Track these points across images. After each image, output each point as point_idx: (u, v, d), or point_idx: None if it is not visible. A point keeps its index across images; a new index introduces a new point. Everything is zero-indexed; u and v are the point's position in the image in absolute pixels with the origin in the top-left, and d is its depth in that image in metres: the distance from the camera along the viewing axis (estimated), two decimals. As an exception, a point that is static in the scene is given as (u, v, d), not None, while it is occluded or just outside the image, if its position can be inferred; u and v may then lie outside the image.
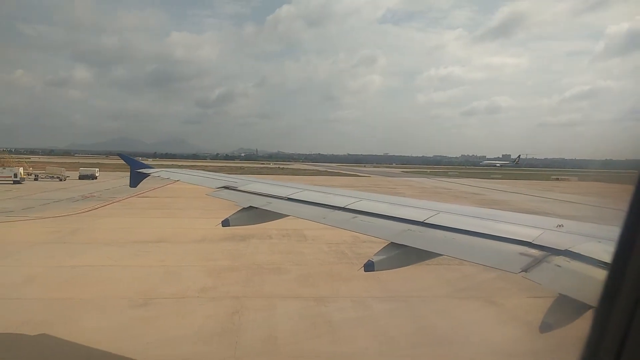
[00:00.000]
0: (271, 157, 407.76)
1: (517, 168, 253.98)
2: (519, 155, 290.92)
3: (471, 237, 5.10)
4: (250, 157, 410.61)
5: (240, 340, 13.64)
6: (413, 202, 7.05)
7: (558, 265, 4.03)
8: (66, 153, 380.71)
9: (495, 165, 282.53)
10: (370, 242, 26.45)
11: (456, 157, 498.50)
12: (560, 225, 4.93)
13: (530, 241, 4.56)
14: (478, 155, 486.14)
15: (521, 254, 4.40)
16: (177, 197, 51.73)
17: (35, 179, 72.08)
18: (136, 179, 12.97)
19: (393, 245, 5.37)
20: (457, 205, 6.94)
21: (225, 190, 9.28)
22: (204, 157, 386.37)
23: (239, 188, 9.18)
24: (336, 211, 6.94)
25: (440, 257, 5.11)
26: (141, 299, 17.04)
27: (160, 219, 36.65)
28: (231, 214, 7.86)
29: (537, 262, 4.18)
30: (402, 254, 5.28)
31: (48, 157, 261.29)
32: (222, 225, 7.61)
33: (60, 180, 72.82)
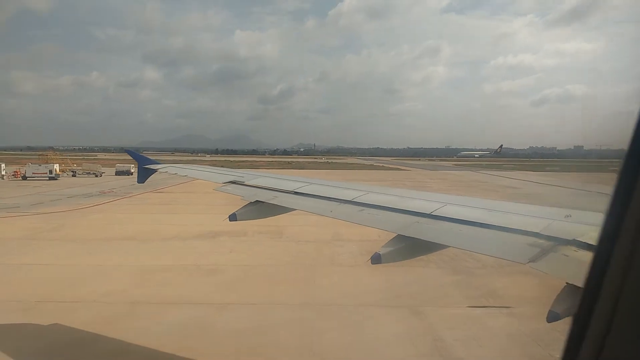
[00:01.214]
0: (329, 152, 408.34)
1: (545, 159, 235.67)
2: (501, 145, 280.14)
3: (479, 228, 5.09)
4: (309, 152, 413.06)
5: (85, 351, 12.58)
6: (420, 194, 7.01)
7: (566, 255, 4.05)
8: (136, 150, 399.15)
9: (473, 156, 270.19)
10: (350, 241, 25.91)
11: (524, 149, 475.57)
12: (568, 216, 4.89)
13: (538, 232, 4.55)
14: (548, 146, 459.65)
15: (529, 244, 4.40)
16: (192, 192, 50.90)
17: (73, 175, 74.72)
18: (144, 175, 12.99)
19: (400, 237, 5.35)
20: (464, 197, 6.97)
21: (232, 185, 9.29)
22: (262, 153, 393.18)
23: (245, 182, 9.20)
24: (343, 204, 6.93)
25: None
26: (33, 301, 16.00)
27: (153, 214, 36.58)
28: (238, 208, 7.85)
29: (544, 252, 4.19)
30: (410, 246, 5.28)
31: (113, 154, 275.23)
32: (230, 220, 7.67)
33: (96, 176, 74.85)
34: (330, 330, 14.04)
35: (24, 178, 66.11)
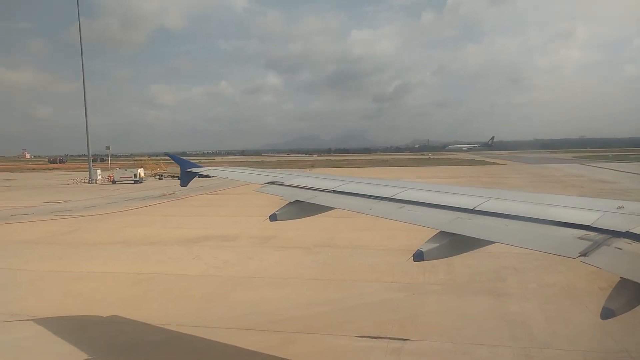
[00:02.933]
0: (444, 147, 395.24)
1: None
2: (492, 137, 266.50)
3: (524, 222, 4.97)
4: (423, 147, 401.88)
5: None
6: (461, 189, 6.93)
7: (619, 248, 3.90)
8: (256, 153, 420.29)
9: (462, 150, 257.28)
10: (336, 247, 24.03)
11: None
12: (621, 207, 4.71)
13: (589, 224, 4.40)
14: None
15: (579, 237, 4.25)
16: (243, 194, 50.42)
17: (160, 179, 79.39)
18: (186, 178, 13.14)
19: (443, 233, 5.25)
20: (508, 191, 6.69)
21: (272, 185, 9.31)
22: (374, 151, 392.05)
23: (284, 183, 9.19)
24: (382, 202, 6.88)
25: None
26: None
27: (182, 217, 37.29)
28: (277, 208, 7.86)
29: (596, 245, 4.02)
30: (453, 243, 5.16)
31: (233, 157, 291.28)
32: (270, 220, 7.68)
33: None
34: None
35: (114, 182, 72.11)
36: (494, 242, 4.99)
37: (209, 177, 13.37)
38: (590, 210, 4.80)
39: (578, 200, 5.46)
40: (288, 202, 7.99)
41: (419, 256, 5.02)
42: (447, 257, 5.27)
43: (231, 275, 19.26)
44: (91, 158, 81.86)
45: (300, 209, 7.85)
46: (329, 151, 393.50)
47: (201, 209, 42.29)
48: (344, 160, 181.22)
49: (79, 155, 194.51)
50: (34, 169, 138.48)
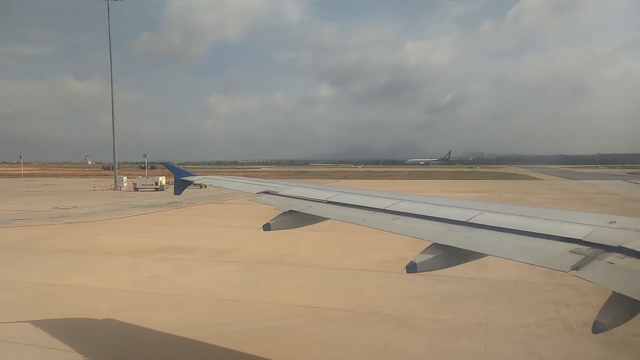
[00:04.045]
0: (499, 160, 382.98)
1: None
2: (449, 152, 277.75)
3: (517, 235, 5.01)
4: (476, 160, 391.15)
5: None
6: (456, 202, 6.95)
7: (611, 263, 3.95)
8: (306, 163, 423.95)
9: (419, 163, 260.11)
10: (284, 264, 22.77)
11: None
12: (612, 222, 4.75)
13: (581, 238, 4.45)
14: None
15: (571, 251, 4.30)
16: (246, 204, 50.43)
17: (200, 187, 79.72)
18: (180, 186, 13.16)
19: (436, 245, 5.29)
20: (502, 205, 6.77)
21: (266, 195, 9.32)
22: (426, 163, 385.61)
23: (279, 192, 9.19)
24: (377, 213, 6.91)
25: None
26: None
27: (167, 226, 37.05)
28: (271, 218, 7.87)
29: (588, 259, 4.08)
30: (446, 255, 5.20)
31: (277, 166, 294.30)
32: (264, 230, 7.71)
33: (200, 187, 78.59)
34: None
35: (136, 189, 73.41)
36: (487, 255, 5.01)
37: (202, 186, 13.06)
38: (582, 224, 4.83)
39: (571, 214, 5.46)
40: (282, 212, 7.99)
41: (411, 268, 5.05)
42: (439, 269, 5.28)
43: (143, 292, 18.10)
44: (119, 166, 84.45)
45: (295, 219, 7.85)
46: (377, 162, 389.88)
47: (195, 218, 42.06)
48: (385, 172, 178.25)
49: (135, 162, 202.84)
50: (74, 174, 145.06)
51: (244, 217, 36.53)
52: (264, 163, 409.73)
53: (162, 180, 75.08)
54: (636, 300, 3.49)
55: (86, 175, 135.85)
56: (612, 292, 3.69)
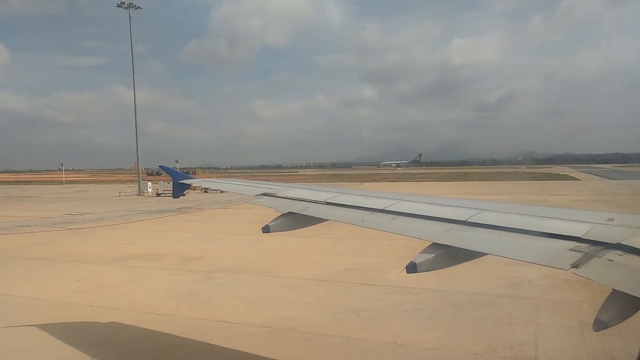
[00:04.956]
0: (550, 160, 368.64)
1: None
2: (420, 154, 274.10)
3: (517, 234, 5.01)
4: (526, 160, 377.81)
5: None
6: (454, 201, 6.94)
7: (610, 260, 3.96)
8: (348, 165, 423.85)
9: (391, 166, 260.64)
10: (245, 272, 21.95)
11: None
12: (611, 219, 4.76)
13: (580, 236, 4.46)
14: None
15: (570, 249, 4.31)
16: (251, 208, 49.61)
17: (205, 192, 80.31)
18: (178, 189, 13.23)
19: (435, 245, 5.29)
20: (501, 203, 6.73)
21: (264, 197, 9.31)
22: (471, 163, 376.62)
23: (277, 194, 9.18)
24: (375, 213, 6.87)
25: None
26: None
27: (157, 232, 36.58)
28: (270, 220, 7.87)
29: (587, 257, 4.08)
30: (445, 255, 5.20)
31: (316, 170, 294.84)
32: (263, 232, 7.74)
33: (222, 192, 78.54)
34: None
35: (158, 195, 74.12)
36: (486, 254, 5.00)
37: (206, 190, 12.43)
38: (581, 222, 4.82)
39: (570, 212, 5.42)
40: (281, 213, 7.97)
41: (412, 268, 5.06)
42: (439, 268, 5.24)
43: (74, 303, 17.29)
44: (143, 171, 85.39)
45: (293, 220, 7.83)
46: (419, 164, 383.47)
47: (192, 223, 41.70)
48: (423, 173, 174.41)
49: (183, 168, 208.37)
50: (118, 180, 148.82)
51: (244, 222, 35.92)
52: (307, 166, 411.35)
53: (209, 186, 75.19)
54: (636, 298, 3.48)
55: (130, 181, 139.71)
56: (612, 289, 3.70)
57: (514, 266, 18.95)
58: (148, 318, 15.66)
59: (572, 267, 4.00)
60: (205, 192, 71.02)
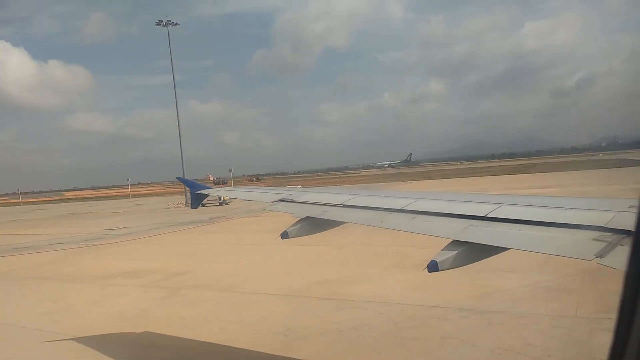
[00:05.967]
0: (637, 144, 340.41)
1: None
2: (410, 154, 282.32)
3: (538, 227, 4.94)
4: (609, 146, 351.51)
5: None
6: (473, 197, 6.93)
7: None
8: (416, 163, 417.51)
9: (383, 166, 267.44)
10: (215, 289, 21.28)
11: None
12: (632, 206, 4.65)
13: (603, 225, 4.36)
14: None
15: (594, 239, 4.23)
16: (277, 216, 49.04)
17: (226, 202, 78.98)
18: (196, 200, 13.62)
19: (456, 242, 5.26)
20: (520, 196, 6.72)
21: (281, 203, 9.39)
22: (549, 153, 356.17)
23: (294, 199, 9.26)
24: (393, 213, 6.87)
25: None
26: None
27: (172, 246, 36.56)
28: (288, 226, 7.97)
29: (611, 246, 4.01)
30: (467, 251, 5.18)
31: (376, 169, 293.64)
32: (282, 238, 7.83)
33: (220, 204, 73.06)
34: None
35: (202, 205, 74.67)
36: (508, 249, 4.93)
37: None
38: (603, 210, 4.70)
39: (590, 202, 5.34)
40: (299, 219, 7.93)
41: (433, 267, 5.00)
42: (461, 266, 5.18)
43: (26, 327, 16.93)
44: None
45: (311, 225, 7.80)
46: (491, 157, 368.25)
47: (210, 235, 41.78)
48: (487, 167, 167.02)
49: (250, 176, 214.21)
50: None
51: (264, 231, 34.25)
52: (373, 167, 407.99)
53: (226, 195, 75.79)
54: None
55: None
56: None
57: (500, 273, 17.19)
58: (68, 344, 15.15)
59: (596, 257, 3.91)
60: (220, 204, 69.12)
